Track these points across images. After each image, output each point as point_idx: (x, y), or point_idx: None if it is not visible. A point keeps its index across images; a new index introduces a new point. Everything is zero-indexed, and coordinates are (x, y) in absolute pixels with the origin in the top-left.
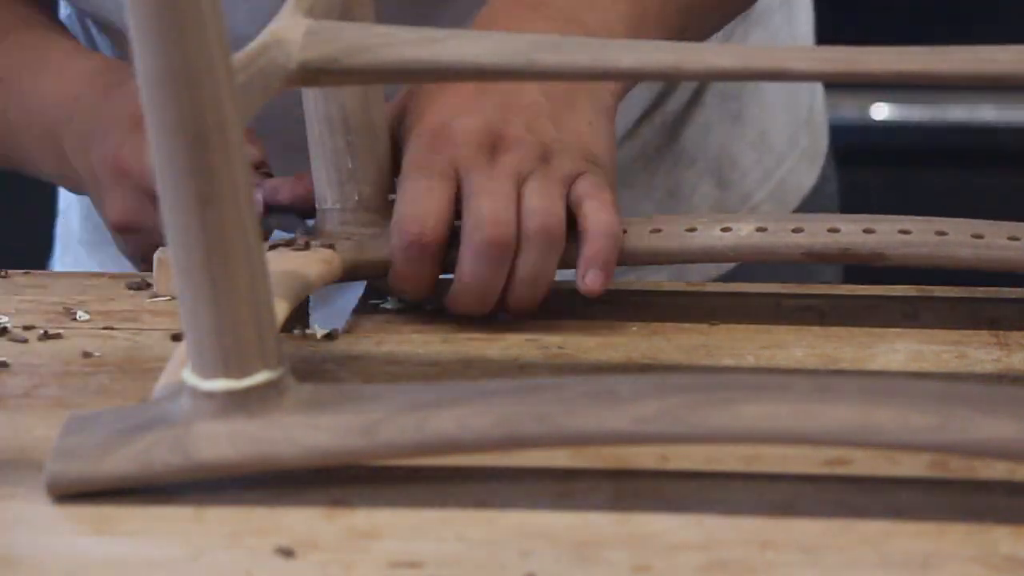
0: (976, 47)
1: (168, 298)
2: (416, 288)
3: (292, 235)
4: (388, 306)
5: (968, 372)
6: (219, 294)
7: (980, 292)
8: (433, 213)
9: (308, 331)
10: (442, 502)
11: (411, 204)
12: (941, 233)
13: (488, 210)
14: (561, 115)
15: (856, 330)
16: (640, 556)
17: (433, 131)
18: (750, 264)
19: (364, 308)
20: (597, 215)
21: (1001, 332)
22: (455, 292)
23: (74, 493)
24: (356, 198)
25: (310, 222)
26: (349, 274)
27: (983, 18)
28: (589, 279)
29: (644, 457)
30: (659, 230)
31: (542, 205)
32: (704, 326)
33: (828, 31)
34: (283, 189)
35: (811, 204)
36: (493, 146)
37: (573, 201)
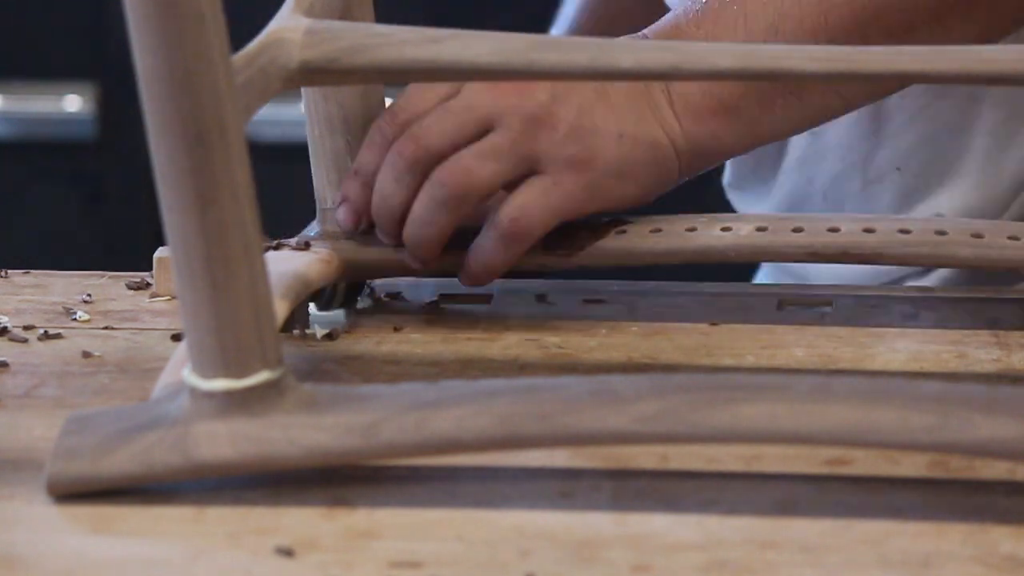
0: (976, 47)
1: (168, 298)
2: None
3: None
4: (361, 305)
5: (968, 372)
6: (219, 294)
7: (980, 292)
8: (394, 215)
9: (308, 331)
10: (442, 502)
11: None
12: (941, 233)
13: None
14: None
15: (856, 330)
16: (640, 556)
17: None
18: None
19: (364, 308)
20: (507, 206)
21: (1001, 332)
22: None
23: (74, 493)
24: None
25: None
26: (349, 274)
27: None
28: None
29: (644, 457)
30: (659, 230)
31: (462, 166)
32: (704, 326)
33: None
34: None
35: None
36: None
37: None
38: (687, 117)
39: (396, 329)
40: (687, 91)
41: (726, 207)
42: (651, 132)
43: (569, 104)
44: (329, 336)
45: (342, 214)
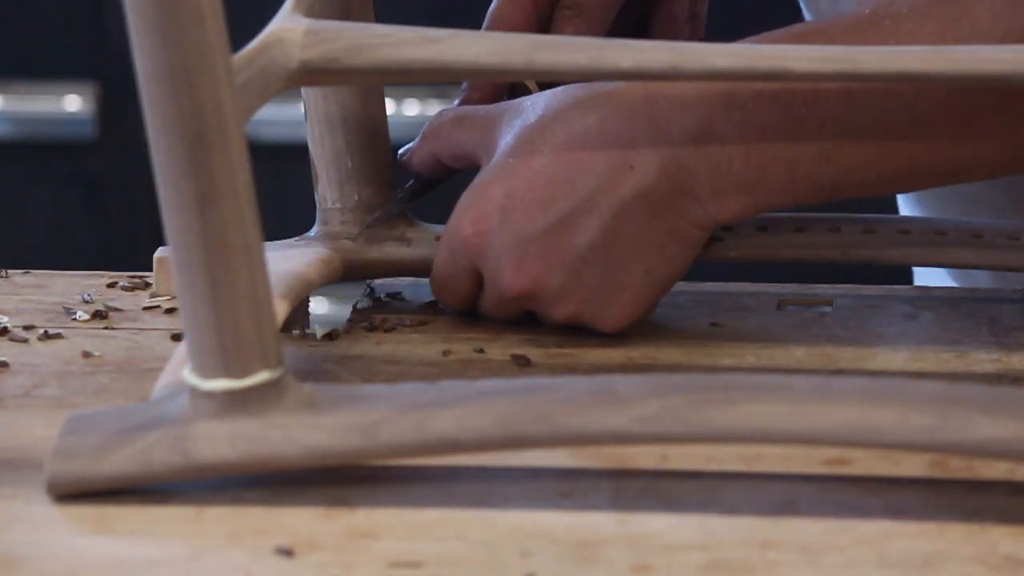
0: (976, 47)
1: (168, 298)
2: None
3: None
4: (361, 305)
5: (968, 372)
6: (219, 294)
7: (980, 292)
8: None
9: (308, 331)
10: (442, 502)
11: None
12: (941, 233)
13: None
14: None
15: (856, 330)
16: (640, 556)
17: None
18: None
19: (364, 308)
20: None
21: (1001, 332)
22: None
23: (74, 493)
24: (356, 198)
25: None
26: (349, 274)
27: None
28: None
29: (644, 457)
30: None
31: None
32: (704, 326)
33: None
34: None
35: None
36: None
37: None
38: (715, 204)
39: (395, 329)
40: (718, 175)
41: None
42: (681, 241)
43: (594, 264)
44: (329, 336)
45: None
